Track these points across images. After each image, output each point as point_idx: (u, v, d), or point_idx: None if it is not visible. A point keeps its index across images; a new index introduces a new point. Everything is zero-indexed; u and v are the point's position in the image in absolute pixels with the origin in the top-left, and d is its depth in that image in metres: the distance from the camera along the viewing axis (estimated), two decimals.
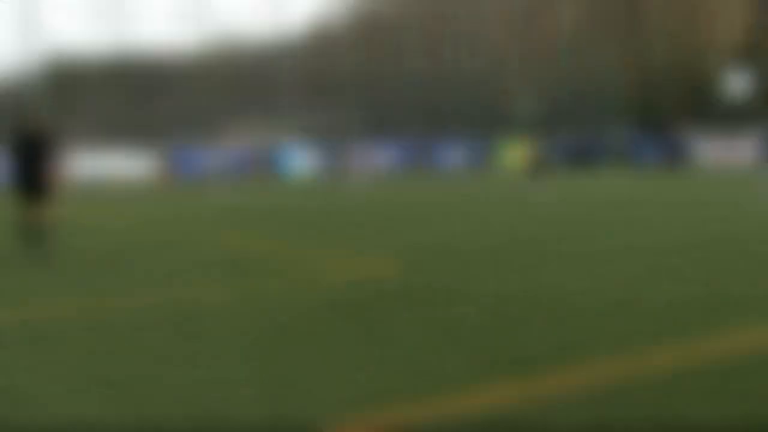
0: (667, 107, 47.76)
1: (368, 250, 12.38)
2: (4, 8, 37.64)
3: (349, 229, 15.40)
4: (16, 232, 16.14)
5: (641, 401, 4.92)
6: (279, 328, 7.16)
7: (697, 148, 40.95)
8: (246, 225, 16.69)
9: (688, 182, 25.81)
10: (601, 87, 51.11)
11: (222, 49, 48.79)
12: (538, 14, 52.87)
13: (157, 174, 35.75)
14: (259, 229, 15.70)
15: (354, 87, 50.98)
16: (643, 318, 7.18)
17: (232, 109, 43.48)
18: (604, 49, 51.12)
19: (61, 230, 16.26)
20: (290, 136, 46.18)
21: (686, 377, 5.43)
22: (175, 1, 43.13)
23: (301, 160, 38.20)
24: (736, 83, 39.42)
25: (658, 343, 6.40)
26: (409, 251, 12.23)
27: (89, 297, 8.87)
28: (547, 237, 13.71)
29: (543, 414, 4.67)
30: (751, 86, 39.48)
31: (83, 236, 15.13)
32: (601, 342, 6.44)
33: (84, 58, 40.58)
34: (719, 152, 40.09)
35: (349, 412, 4.82)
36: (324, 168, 36.79)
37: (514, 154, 41.43)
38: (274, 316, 7.63)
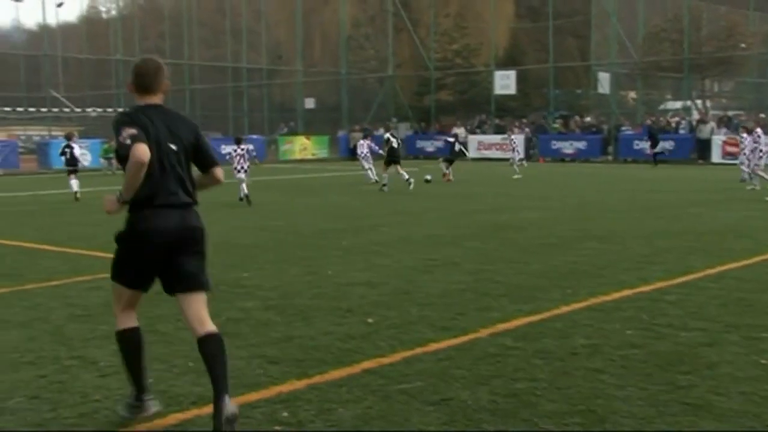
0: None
1: None
2: None
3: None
4: None
5: (420, 388, 5.24)
6: (54, 330, 6.93)
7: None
8: None
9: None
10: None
11: None
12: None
13: None
14: None
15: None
16: (420, 307, 7.42)
17: None
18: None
19: None
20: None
21: (459, 359, 5.87)
22: None
23: None
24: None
25: (433, 330, 6.72)
26: None
27: None
28: (329, 230, 13.63)
29: (329, 409, 4.92)
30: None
31: None
32: (382, 333, 6.67)
33: None
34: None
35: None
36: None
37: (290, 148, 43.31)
38: (49, 318, 7.35)
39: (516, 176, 27.16)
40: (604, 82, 43.03)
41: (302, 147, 44.48)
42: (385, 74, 50.93)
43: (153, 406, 4.84)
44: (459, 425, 4.67)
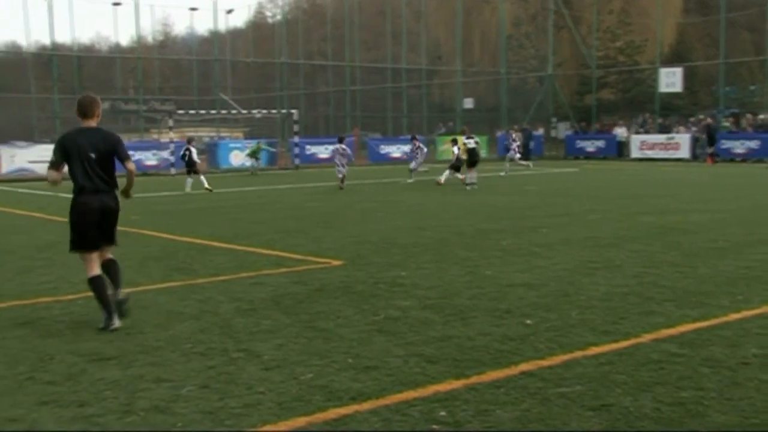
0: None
1: (310, 245, 12.14)
2: None
3: (289, 224, 15.02)
4: None
5: (579, 393, 5.13)
6: (223, 323, 7.26)
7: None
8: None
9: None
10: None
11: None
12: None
13: None
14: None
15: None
16: (580, 310, 7.37)
17: None
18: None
19: None
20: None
21: (620, 364, 5.72)
22: None
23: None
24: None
25: (594, 334, 6.53)
26: (351, 245, 11.96)
27: None
28: (488, 231, 13.44)
29: (486, 410, 4.89)
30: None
31: None
32: (541, 336, 6.56)
33: None
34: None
35: (293, 408, 5.00)
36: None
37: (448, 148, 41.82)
38: (217, 311, 7.72)
39: (503, 173, 29.51)
40: None
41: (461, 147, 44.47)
42: (545, 73, 50.22)
43: (117, 322, 7.09)
44: None
